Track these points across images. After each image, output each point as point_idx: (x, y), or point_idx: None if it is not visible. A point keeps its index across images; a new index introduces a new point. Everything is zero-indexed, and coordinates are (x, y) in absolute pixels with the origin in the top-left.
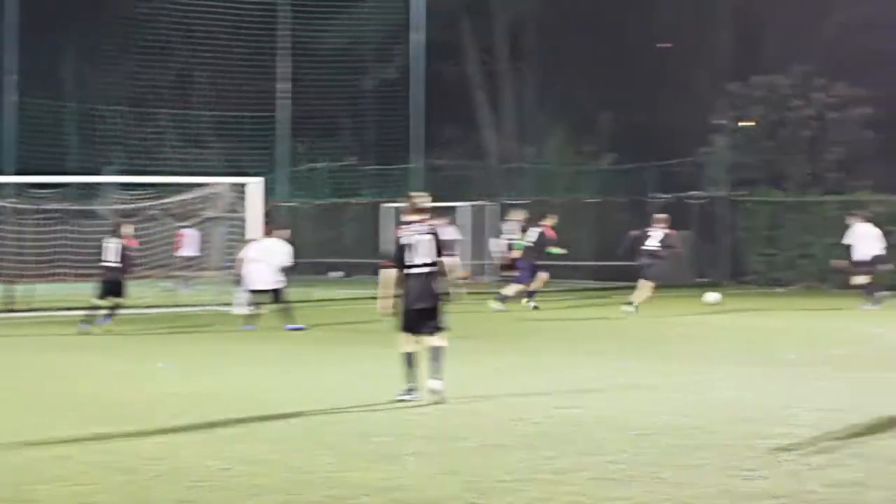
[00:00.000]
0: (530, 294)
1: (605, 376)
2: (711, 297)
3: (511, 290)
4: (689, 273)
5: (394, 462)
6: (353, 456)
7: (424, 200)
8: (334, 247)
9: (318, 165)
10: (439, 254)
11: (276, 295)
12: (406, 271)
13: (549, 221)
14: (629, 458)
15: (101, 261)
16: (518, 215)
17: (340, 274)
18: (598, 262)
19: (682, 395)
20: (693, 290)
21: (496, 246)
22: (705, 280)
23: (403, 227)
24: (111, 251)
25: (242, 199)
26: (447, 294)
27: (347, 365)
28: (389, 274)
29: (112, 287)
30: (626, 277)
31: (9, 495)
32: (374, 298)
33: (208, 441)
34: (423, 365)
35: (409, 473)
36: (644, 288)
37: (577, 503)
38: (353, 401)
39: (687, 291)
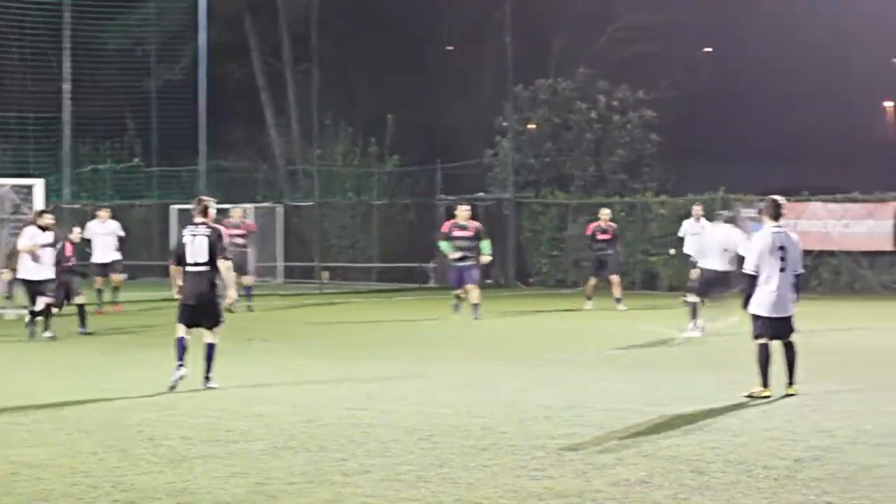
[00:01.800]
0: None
1: (392, 378)
2: None
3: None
4: None
5: (182, 465)
6: (142, 459)
7: (208, 203)
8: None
9: (102, 167)
10: (217, 255)
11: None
12: (185, 269)
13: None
14: (418, 459)
15: None
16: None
17: (124, 276)
18: (384, 263)
19: (467, 396)
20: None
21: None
22: (490, 281)
23: (189, 226)
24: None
25: (28, 200)
26: (220, 293)
27: (132, 369)
28: (172, 269)
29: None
30: (409, 279)
31: None
32: (163, 300)
33: None
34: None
35: (198, 476)
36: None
37: None
38: (139, 404)
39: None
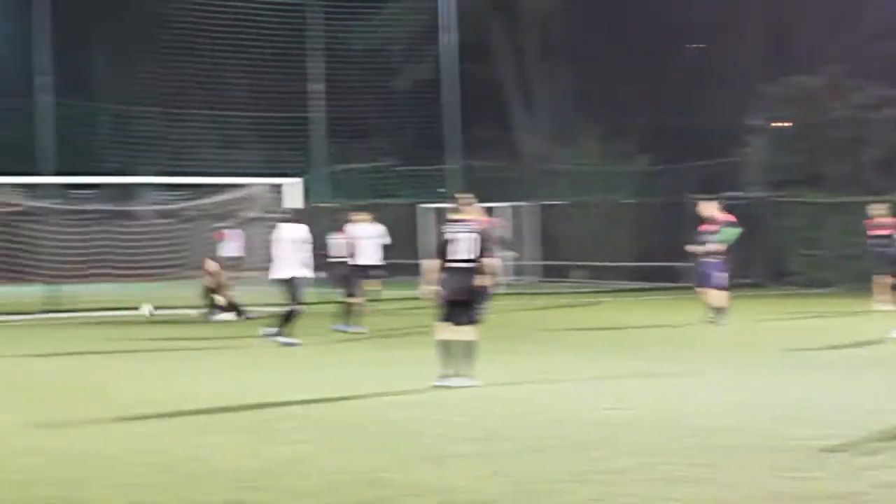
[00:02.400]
0: None
1: (646, 378)
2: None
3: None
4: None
5: (442, 463)
6: (402, 456)
7: (469, 201)
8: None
9: (354, 166)
10: (481, 253)
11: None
12: (448, 266)
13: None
14: (677, 459)
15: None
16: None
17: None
18: (636, 262)
19: (725, 395)
20: (735, 290)
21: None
22: (747, 281)
23: (447, 224)
24: (338, 247)
25: (281, 199)
26: (484, 290)
27: (389, 366)
28: (428, 265)
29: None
30: (664, 278)
31: (58, 494)
32: (414, 299)
33: (252, 441)
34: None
35: (458, 474)
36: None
37: None
38: (398, 402)
39: (735, 292)
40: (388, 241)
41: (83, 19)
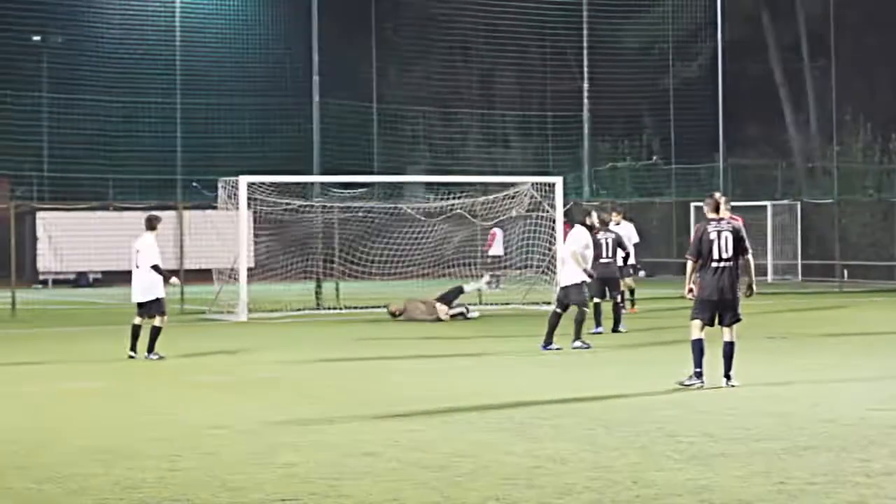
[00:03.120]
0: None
1: None
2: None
3: None
4: None
5: (703, 462)
6: (662, 456)
7: (721, 199)
8: (639, 245)
9: (621, 164)
10: (741, 251)
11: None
12: (709, 265)
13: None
14: None
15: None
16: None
17: (643, 273)
18: None
19: None
20: None
21: None
22: None
23: (704, 223)
24: (605, 247)
25: (546, 197)
26: (748, 289)
27: (650, 366)
28: (690, 265)
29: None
30: None
31: (321, 490)
32: (676, 298)
33: (515, 439)
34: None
35: (719, 474)
36: None
37: None
38: (658, 401)
39: None
40: (636, 239)
41: (354, 20)
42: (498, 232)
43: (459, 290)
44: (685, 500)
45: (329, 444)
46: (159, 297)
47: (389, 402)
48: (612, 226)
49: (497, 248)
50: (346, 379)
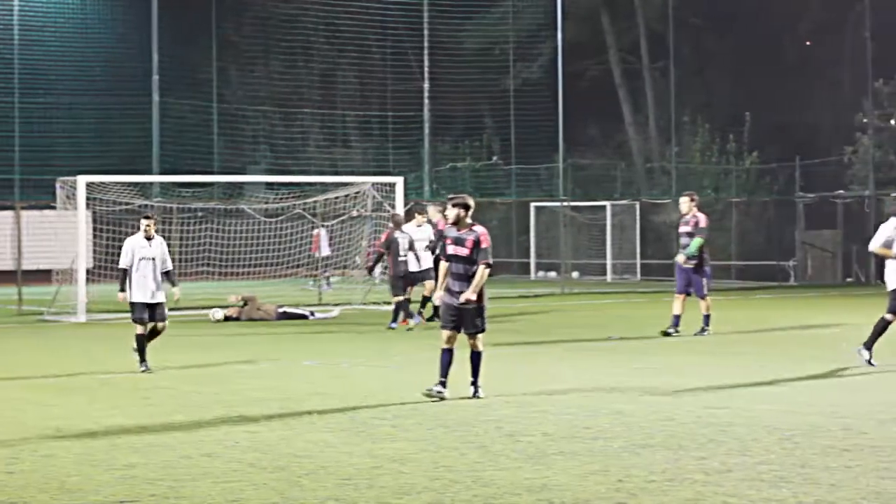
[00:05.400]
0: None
1: (750, 377)
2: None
3: None
4: (837, 273)
5: (541, 461)
6: (501, 455)
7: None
8: None
9: (461, 165)
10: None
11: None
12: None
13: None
14: (778, 459)
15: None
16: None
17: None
18: (742, 261)
19: (827, 396)
20: (842, 289)
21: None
22: (850, 280)
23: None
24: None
25: (388, 198)
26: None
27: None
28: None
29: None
30: (767, 277)
31: (161, 491)
32: (520, 298)
33: (355, 439)
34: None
35: (558, 473)
36: None
37: None
38: (497, 401)
39: (836, 291)
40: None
41: (193, 19)
42: (322, 232)
43: (304, 317)
44: (524, 499)
45: (168, 445)
46: None
47: (229, 404)
48: (413, 226)
49: (324, 249)
50: (185, 380)
